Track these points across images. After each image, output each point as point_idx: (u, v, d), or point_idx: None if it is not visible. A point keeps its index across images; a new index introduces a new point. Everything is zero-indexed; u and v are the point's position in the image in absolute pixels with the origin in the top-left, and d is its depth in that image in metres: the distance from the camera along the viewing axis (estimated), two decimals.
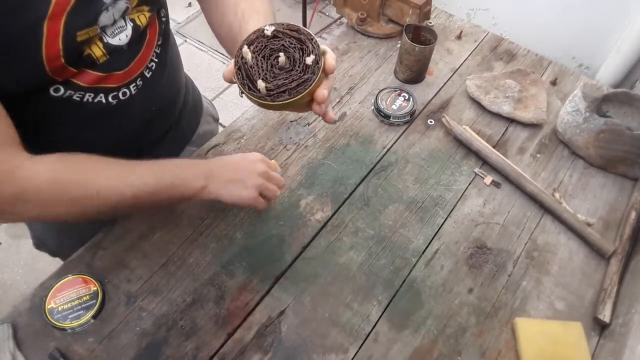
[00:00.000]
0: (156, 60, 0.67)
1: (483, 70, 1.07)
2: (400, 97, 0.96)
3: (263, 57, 0.54)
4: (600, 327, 0.72)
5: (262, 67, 0.53)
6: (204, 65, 2.41)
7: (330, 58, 0.53)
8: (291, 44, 0.54)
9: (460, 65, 1.08)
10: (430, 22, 1.02)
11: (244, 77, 0.54)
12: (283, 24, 0.55)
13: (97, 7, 0.54)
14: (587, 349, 0.68)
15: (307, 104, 0.56)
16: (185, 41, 2.54)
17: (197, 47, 2.51)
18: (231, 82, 0.56)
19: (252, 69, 0.54)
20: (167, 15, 0.71)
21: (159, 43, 0.68)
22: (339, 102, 0.99)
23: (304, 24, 2.46)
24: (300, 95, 0.52)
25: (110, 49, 0.59)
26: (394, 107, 0.95)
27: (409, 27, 0.99)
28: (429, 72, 1.05)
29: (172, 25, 2.75)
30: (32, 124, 0.60)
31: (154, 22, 0.66)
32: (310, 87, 0.52)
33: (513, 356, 0.69)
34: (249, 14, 0.65)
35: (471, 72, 1.05)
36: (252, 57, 0.54)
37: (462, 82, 1.03)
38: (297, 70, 0.53)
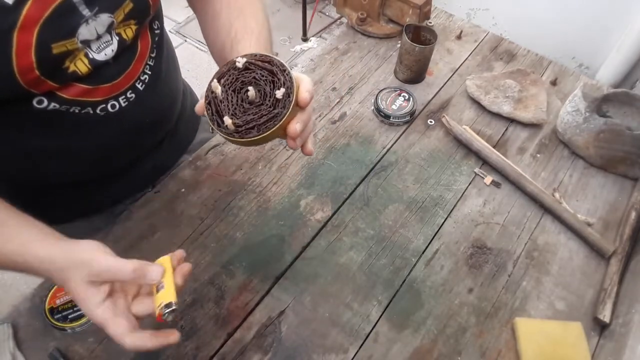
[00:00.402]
0: (149, 72, 0.66)
1: (483, 70, 1.07)
2: (400, 97, 0.96)
3: (233, 90, 0.51)
4: (600, 327, 0.72)
5: (231, 101, 0.51)
6: (204, 66, 2.42)
7: (304, 90, 0.49)
8: (262, 76, 0.50)
9: (460, 65, 1.08)
10: (430, 22, 1.02)
11: (213, 113, 0.51)
12: (256, 55, 0.52)
13: (74, 20, 0.52)
14: (587, 349, 0.68)
15: (284, 137, 0.52)
16: (185, 41, 2.54)
17: (197, 47, 2.51)
18: (204, 116, 0.53)
19: (221, 103, 0.51)
20: (161, 27, 0.69)
21: (152, 55, 0.67)
22: (339, 102, 0.99)
23: (304, 24, 2.46)
24: (269, 132, 0.48)
25: (96, 65, 0.57)
26: (394, 107, 0.95)
27: (409, 27, 0.99)
28: (429, 72, 1.05)
29: (172, 25, 2.74)
30: (19, 133, 0.59)
31: (146, 35, 0.65)
32: (281, 123, 0.48)
33: (513, 356, 0.69)
34: (242, 34, 0.63)
35: (471, 72, 1.06)
36: (222, 91, 0.51)
37: (462, 82, 1.03)
38: (267, 104, 0.49)
